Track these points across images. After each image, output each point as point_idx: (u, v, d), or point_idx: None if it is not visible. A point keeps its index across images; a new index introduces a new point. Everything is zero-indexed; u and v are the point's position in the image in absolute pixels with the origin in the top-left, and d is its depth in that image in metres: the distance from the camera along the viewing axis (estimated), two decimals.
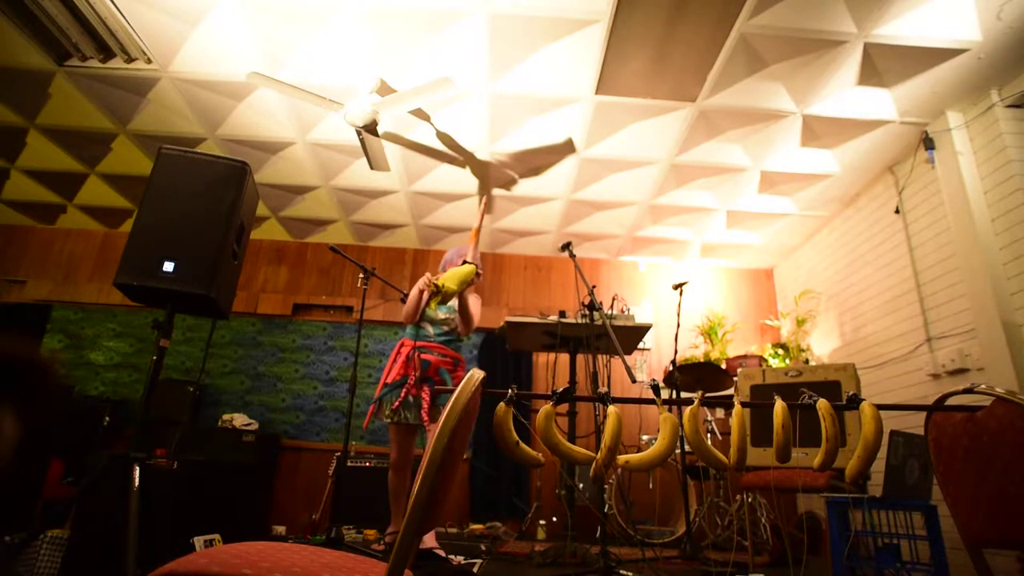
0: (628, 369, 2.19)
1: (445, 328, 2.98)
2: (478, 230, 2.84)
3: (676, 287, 3.56)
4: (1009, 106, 3.11)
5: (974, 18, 2.72)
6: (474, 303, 2.98)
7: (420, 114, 3.60)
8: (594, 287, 2.55)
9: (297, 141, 3.96)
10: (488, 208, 2.69)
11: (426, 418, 2.73)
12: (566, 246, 2.68)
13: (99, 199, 4.95)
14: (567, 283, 5.48)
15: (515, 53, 3.07)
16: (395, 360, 2.89)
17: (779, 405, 1.36)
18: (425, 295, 2.65)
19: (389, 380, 2.82)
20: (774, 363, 4.77)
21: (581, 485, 4.09)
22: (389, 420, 2.81)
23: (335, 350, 5.21)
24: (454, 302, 2.95)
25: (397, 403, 2.76)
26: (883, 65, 3.02)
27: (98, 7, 2.89)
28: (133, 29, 3.03)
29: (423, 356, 2.86)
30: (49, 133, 4.05)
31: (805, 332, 4.82)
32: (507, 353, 5.05)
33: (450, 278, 2.53)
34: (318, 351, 5.19)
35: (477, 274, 2.66)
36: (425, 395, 2.76)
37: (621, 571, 2.18)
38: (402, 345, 2.92)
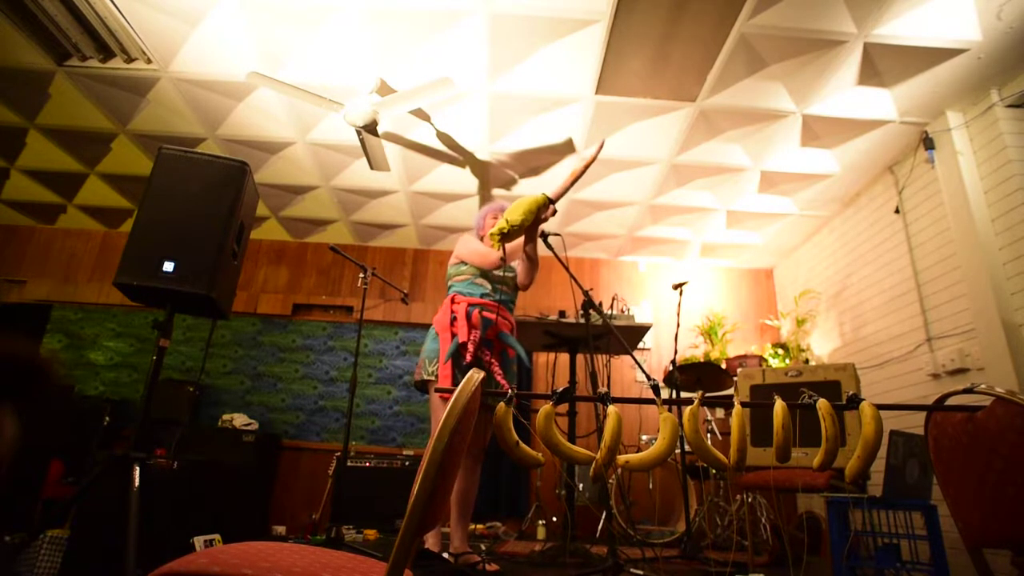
0: (640, 366, 2.19)
1: (505, 288, 2.62)
2: (578, 173, 2.19)
3: (676, 287, 3.56)
4: (1009, 106, 3.11)
5: (974, 18, 2.72)
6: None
7: (420, 114, 3.60)
8: (590, 290, 2.54)
9: (297, 141, 3.96)
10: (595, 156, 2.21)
11: (505, 384, 2.36)
12: (544, 236, 2.44)
13: (99, 199, 4.95)
14: (567, 283, 5.48)
15: (515, 53, 3.07)
16: (454, 316, 2.47)
17: (779, 405, 1.36)
18: (488, 240, 2.19)
19: (462, 340, 2.39)
20: (774, 363, 4.77)
21: (581, 485, 4.09)
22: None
23: (335, 350, 5.21)
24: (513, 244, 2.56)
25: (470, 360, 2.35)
26: (883, 65, 3.02)
27: (98, 7, 2.89)
28: (133, 29, 3.03)
29: (484, 314, 2.49)
30: (49, 133, 4.05)
31: (805, 332, 4.82)
32: None
33: (512, 211, 2.06)
34: (318, 351, 5.19)
35: (549, 204, 2.16)
36: (490, 359, 2.42)
37: (632, 570, 2.18)
38: (453, 301, 2.53)
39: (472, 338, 2.41)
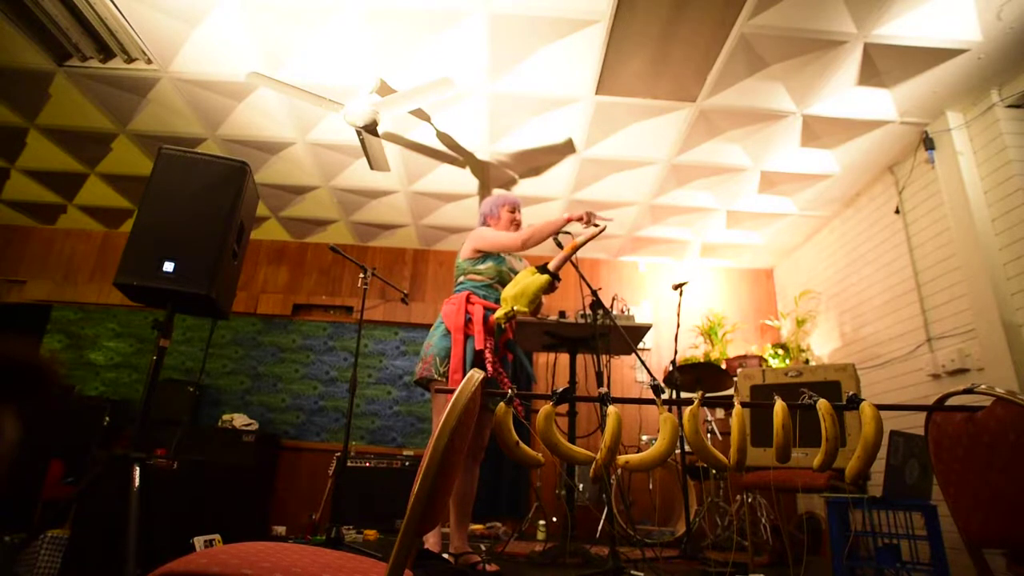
0: (645, 366, 2.20)
1: None
2: (579, 244, 2.23)
3: (676, 287, 3.56)
4: (1009, 106, 3.11)
5: (974, 18, 2.72)
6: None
7: (420, 114, 3.60)
8: (599, 289, 2.54)
9: (297, 141, 3.96)
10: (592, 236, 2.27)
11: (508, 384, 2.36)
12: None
13: (99, 199, 4.95)
14: (567, 283, 5.48)
15: (515, 53, 3.07)
16: (469, 317, 2.42)
17: (779, 405, 1.36)
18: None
19: (479, 347, 2.35)
20: (774, 363, 4.77)
21: (581, 485, 4.09)
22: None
23: (335, 350, 5.21)
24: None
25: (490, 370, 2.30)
26: (883, 65, 3.02)
27: (98, 7, 2.89)
28: (133, 29, 3.03)
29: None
30: (49, 133, 4.05)
31: (805, 332, 4.82)
32: None
33: (519, 297, 2.17)
34: (318, 351, 5.19)
35: (553, 283, 2.23)
36: (500, 370, 2.41)
37: (632, 571, 2.17)
38: (469, 301, 2.47)
39: (489, 346, 2.36)
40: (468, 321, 2.42)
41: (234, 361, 5.12)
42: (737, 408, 1.39)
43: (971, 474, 1.34)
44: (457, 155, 4.02)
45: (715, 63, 3.06)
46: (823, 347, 4.62)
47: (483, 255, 2.58)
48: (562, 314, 3.04)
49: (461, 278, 2.61)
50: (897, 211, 3.79)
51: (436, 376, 2.37)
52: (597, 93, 3.32)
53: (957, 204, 3.26)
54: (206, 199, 1.97)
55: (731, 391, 3.76)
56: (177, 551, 0.99)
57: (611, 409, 1.38)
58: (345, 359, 5.18)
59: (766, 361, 4.79)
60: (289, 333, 5.25)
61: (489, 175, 4.25)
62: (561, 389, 1.41)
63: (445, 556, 2.33)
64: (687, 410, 1.41)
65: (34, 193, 4.90)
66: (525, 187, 4.39)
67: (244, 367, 5.10)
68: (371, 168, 3.80)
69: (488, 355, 2.34)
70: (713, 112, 3.46)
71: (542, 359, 5.16)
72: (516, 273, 2.57)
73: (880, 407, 1.34)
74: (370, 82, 3.28)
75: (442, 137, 3.83)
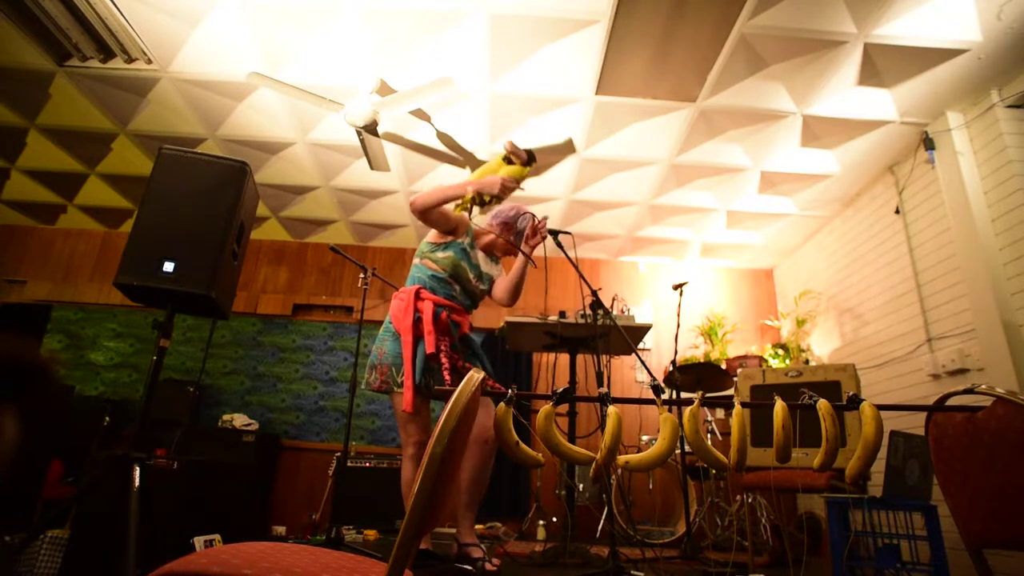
0: (645, 366, 2.19)
1: (470, 299, 2.46)
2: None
3: (676, 287, 3.56)
4: (1009, 106, 3.11)
5: (974, 18, 2.72)
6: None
7: (420, 114, 3.60)
8: (599, 289, 2.54)
9: (297, 141, 3.96)
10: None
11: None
12: (554, 234, 2.42)
13: (99, 199, 4.95)
14: (567, 283, 5.48)
15: (515, 53, 3.07)
16: (418, 316, 2.26)
17: (779, 405, 1.36)
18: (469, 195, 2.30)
19: (430, 350, 2.19)
20: (774, 363, 4.77)
21: (581, 485, 4.09)
22: (420, 396, 2.20)
23: (335, 350, 5.21)
24: (488, 268, 2.50)
25: (447, 376, 2.16)
26: (883, 65, 3.02)
27: (98, 7, 2.89)
28: (133, 29, 3.03)
29: (454, 317, 2.33)
30: (49, 133, 4.05)
31: (805, 332, 4.82)
32: (507, 353, 5.05)
33: (482, 172, 2.35)
34: (318, 351, 5.19)
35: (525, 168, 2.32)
36: (462, 364, 2.28)
37: (632, 571, 2.17)
38: (419, 296, 2.30)
39: (444, 348, 2.22)
40: (418, 320, 2.25)
41: (234, 361, 5.12)
42: (737, 408, 1.39)
43: (972, 474, 1.34)
44: (457, 155, 4.02)
45: (715, 63, 3.06)
46: (823, 347, 4.62)
47: (445, 242, 2.40)
48: (562, 314, 3.04)
49: (417, 260, 2.43)
50: (897, 211, 3.79)
51: (395, 388, 2.23)
52: (597, 93, 3.32)
53: (957, 204, 3.26)
54: (206, 199, 1.97)
55: (731, 391, 3.76)
56: (177, 551, 0.99)
57: (611, 409, 1.38)
58: (345, 359, 5.18)
59: (766, 361, 4.79)
60: (289, 333, 5.25)
61: None
62: (561, 389, 1.41)
63: (456, 548, 2.32)
64: (687, 410, 1.41)
65: (34, 193, 4.90)
66: (525, 187, 4.38)
67: (244, 367, 5.10)
68: (371, 168, 3.80)
69: (444, 360, 2.20)
70: (713, 112, 3.46)
71: (542, 359, 5.16)
72: (476, 269, 2.42)
73: (880, 407, 1.34)
74: (370, 82, 3.28)
75: (442, 137, 3.83)
